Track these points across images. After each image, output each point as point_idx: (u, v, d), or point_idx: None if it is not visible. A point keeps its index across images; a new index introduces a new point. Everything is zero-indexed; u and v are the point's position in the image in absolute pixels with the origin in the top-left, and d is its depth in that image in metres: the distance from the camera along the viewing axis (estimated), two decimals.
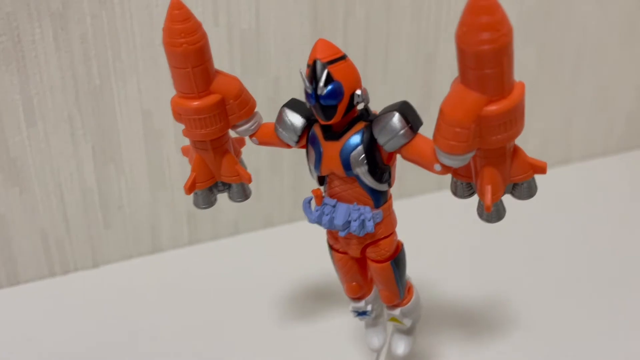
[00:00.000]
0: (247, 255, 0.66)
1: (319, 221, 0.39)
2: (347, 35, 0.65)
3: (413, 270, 0.46)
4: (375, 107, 0.63)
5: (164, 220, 0.66)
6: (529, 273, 0.61)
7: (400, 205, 0.44)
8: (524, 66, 0.72)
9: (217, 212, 0.68)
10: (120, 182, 0.63)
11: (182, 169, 0.64)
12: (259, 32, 0.61)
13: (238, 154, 0.43)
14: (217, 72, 0.38)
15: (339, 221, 0.38)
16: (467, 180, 0.37)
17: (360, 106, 0.38)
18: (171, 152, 0.63)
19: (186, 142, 0.44)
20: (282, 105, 0.40)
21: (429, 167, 0.36)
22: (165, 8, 0.36)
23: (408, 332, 0.46)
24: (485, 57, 0.31)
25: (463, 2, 0.62)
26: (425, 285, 0.56)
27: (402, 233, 0.42)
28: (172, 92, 0.38)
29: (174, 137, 0.63)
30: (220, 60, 0.59)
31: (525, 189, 0.37)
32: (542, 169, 0.36)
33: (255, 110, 0.40)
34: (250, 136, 0.41)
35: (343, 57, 0.36)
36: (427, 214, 0.70)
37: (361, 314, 0.45)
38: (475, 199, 0.37)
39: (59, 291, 0.62)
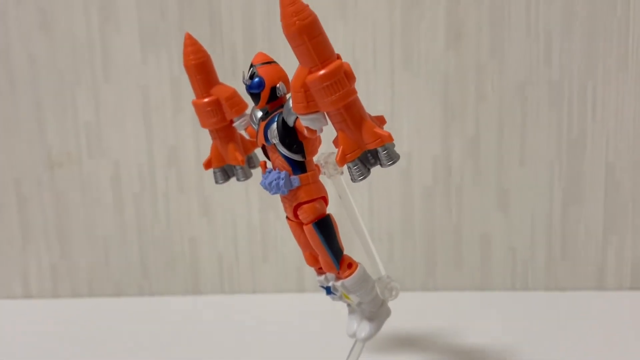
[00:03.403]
0: None
1: (263, 185, 0.51)
2: (479, 119, 0.76)
3: None
4: (512, 187, 0.73)
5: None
6: None
7: None
8: None
9: None
10: (276, 226, 0.81)
11: None
12: (393, 113, 0.77)
13: (248, 150, 0.57)
14: (219, 83, 0.55)
15: (267, 182, 0.50)
16: None
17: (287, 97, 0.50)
18: None
19: None
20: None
21: (304, 132, 0.47)
22: None
23: (371, 319, 0.52)
24: (292, 37, 0.43)
25: (608, 86, 0.70)
26: None
27: None
28: None
29: None
30: None
31: (384, 156, 0.44)
32: (388, 138, 0.44)
33: (247, 112, 0.55)
34: (245, 130, 0.55)
35: (270, 62, 0.50)
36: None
37: (327, 291, 0.53)
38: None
39: (225, 307, 0.80)
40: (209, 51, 0.77)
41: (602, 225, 0.76)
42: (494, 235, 0.78)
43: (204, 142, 0.80)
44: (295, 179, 0.51)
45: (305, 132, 0.48)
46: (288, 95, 0.50)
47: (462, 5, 0.74)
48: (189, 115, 0.79)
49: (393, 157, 0.45)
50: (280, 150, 0.50)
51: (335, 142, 0.47)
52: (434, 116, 0.76)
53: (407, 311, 0.73)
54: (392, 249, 0.79)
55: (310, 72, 0.44)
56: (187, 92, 0.79)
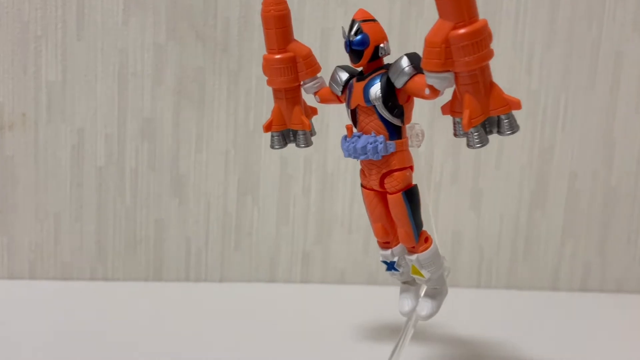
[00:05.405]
0: (349, 305, 0.73)
1: (348, 150, 0.49)
2: None
3: None
4: (486, 188, 0.75)
5: (282, 254, 0.78)
6: None
7: None
8: None
9: (328, 258, 0.79)
10: (253, 212, 0.77)
11: (304, 211, 0.78)
12: None
13: (309, 115, 0.54)
14: (295, 40, 0.52)
15: (359, 145, 0.48)
16: (461, 117, 0.45)
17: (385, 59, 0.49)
18: (297, 195, 0.78)
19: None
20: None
21: (422, 93, 0.46)
22: None
23: (433, 296, 0.52)
24: None
25: (577, 101, 0.74)
26: None
27: None
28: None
29: (302, 182, 0.77)
30: None
31: (506, 124, 0.44)
32: (516, 105, 0.44)
33: (319, 75, 0.53)
34: (314, 94, 0.53)
35: (374, 20, 0.49)
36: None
37: (390, 266, 0.52)
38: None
39: (189, 295, 0.75)
40: (200, 23, 0.73)
41: (561, 230, 0.81)
42: (465, 234, 0.81)
43: (183, 117, 0.75)
44: (391, 145, 0.49)
45: (427, 92, 0.46)
46: (401, 57, 0.48)
47: None
48: (171, 86, 0.74)
49: (514, 127, 0.45)
50: (381, 112, 0.49)
51: (447, 107, 0.46)
52: (421, 113, 0.78)
53: (378, 304, 0.73)
54: (367, 241, 0.79)
55: (455, 28, 0.42)
56: (171, 62, 0.74)
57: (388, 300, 0.75)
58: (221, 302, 0.73)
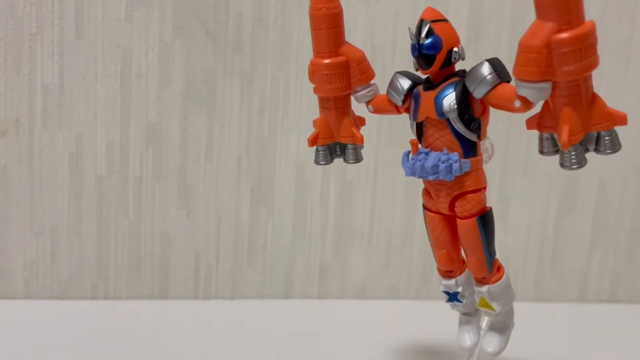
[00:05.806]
0: (369, 322, 0.69)
1: (412, 168, 0.44)
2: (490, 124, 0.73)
3: None
4: (512, 196, 0.69)
5: (298, 269, 0.73)
6: None
7: None
8: None
9: (347, 272, 0.74)
10: (267, 224, 0.72)
11: (322, 222, 0.73)
12: None
13: (357, 126, 0.49)
14: (347, 42, 0.47)
15: (429, 163, 0.43)
16: (551, 132, 0.40)
17: (458, 64, 0.44)
18: (315, 205, 0.72)
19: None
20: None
21: (510, 105, 0.40)
22: None
23: (501, 330, 0.47)
24: None
25: (608, 102, 0.70)
26: None
27: None
28: None
29: (319, 192, 0.72)
30: None
31: (607, 142, 0.39)
32: (622, 120, 0.39)
33: (373, 81, 0.48)
34: (367, 103, 0.48)
35: (445, 20, 0.44)
36: None
37: (452, 297, 0.47)
38: None
39: (198, 313, 0.69)
40: (211, 19, 0.67)
41: (589, 239, 0.77)
42: None
43: (192, 121, 0.69)
44: (466, 163, 0.44)
45: (517, 104, 0.40)
46: (481, 63, 0.42)
47: (485, 7, 0.72)
48: (178, 88, 0.69)
49: (615, 145, 0.40)
50: (456, 126, 0.43)
51: (534, 121, 0.40)
52: None
53: (401, 320, 0.69)
54: (388, 254, 0.74)
55: (560, 30, 0.37)
56: (179, 62, 0.68)
57: (411, 316, 0.72)
58: (233, 320, 0.68)
